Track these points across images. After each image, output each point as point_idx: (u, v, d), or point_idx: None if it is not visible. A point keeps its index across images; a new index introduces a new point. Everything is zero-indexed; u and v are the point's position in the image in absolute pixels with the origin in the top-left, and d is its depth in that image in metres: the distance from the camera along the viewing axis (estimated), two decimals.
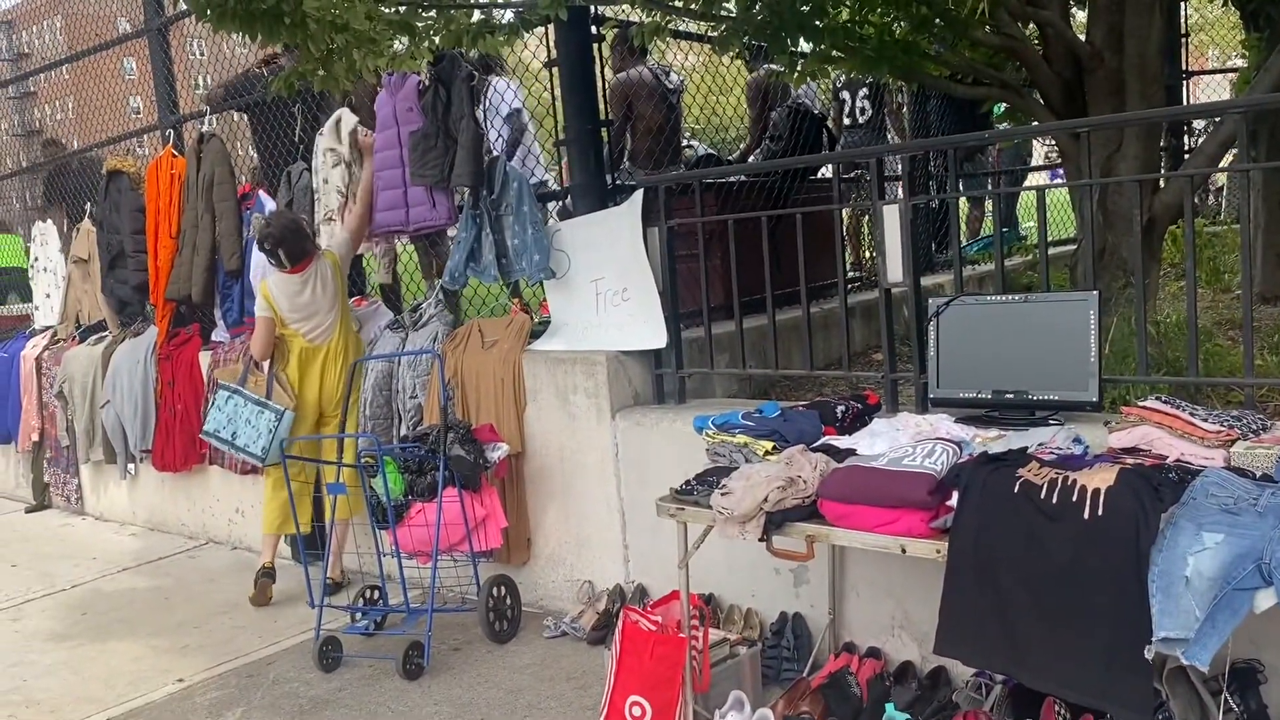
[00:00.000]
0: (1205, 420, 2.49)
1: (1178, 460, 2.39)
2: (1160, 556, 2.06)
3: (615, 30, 4.98)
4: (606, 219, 4.15)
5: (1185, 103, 7.29)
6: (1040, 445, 2.62)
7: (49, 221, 7.20)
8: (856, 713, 2.97)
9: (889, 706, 2.77)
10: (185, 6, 4.13)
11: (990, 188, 7.56)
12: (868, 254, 6.34)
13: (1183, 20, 7.41)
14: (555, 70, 4.32)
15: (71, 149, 7.79)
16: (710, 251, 4.09)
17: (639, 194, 4.01)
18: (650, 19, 4.17)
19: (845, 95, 7.16)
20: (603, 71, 4.34)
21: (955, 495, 2.39)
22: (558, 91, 4.35)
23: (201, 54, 7.03)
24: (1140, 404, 2.64)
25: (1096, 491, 2.17)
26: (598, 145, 4.30)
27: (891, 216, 3.34)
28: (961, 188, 7.25)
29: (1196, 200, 5.06)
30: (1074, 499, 2.19)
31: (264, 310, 4.56)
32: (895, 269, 3.36)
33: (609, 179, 4.37)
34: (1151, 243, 4.10)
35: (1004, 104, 5.90)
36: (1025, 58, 4.38)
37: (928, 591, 3.09)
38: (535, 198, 4.34)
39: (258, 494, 5.44)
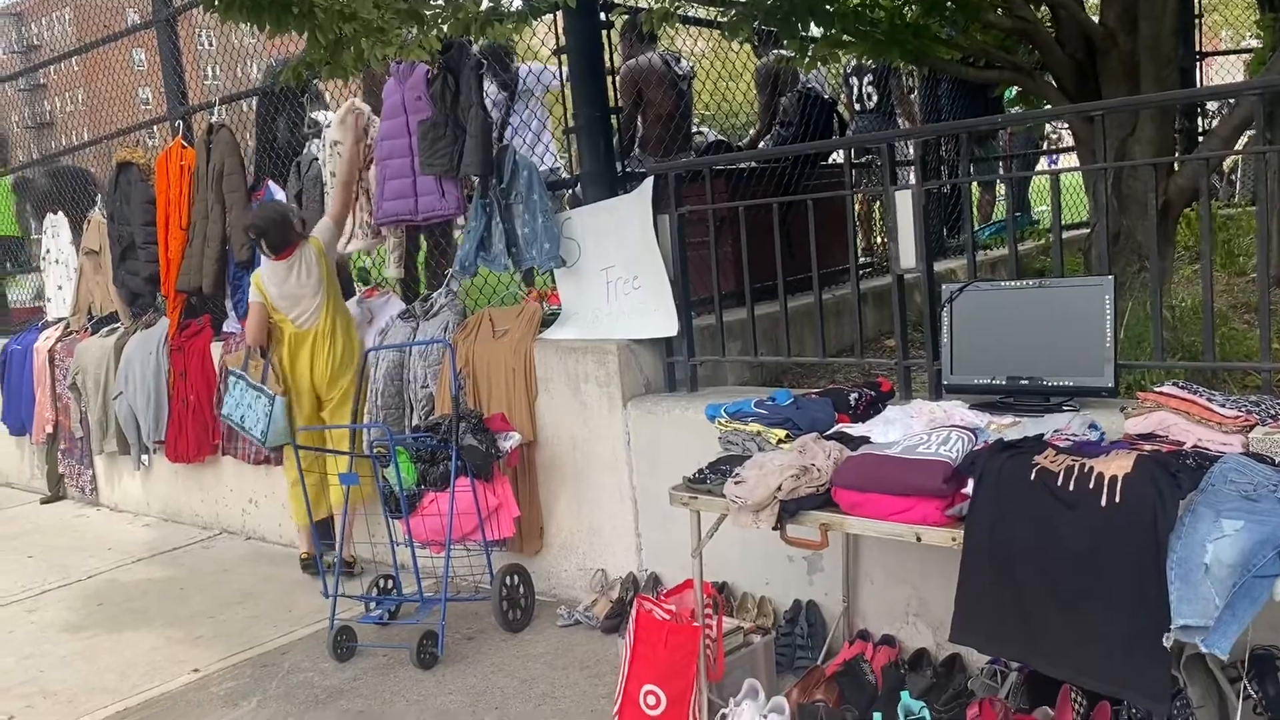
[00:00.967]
0: (1223, 405, 2.46)
1: (1195, 446, 2.36)
2: (1179, 544, 2.04)
3: (624, 17, 4.95)
4: (617, 207, 4.13)
5: (1199, 84, 7.22)
6: (1056, 432, 2.60)
7: (60, 213, 7.22)
8: (871, 700, 2.96)
9: (904, 694, 2.75)
10: None
11: (1002, 172, 7.50)
12: (879, 240, 6.31)
13: (1196, 1, 7.32)
14: (564, 57, 4.30)
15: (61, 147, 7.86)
16: (721, 238, 4.07)
17: (649, 181, 3.99)
18: (659, 4, 4.14)
19: (853, 81, 7.11)
20: (612, 58, 4.32)
21: (970, 483, 2.37)
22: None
23: (210, 44, 7.03)
24: (1157, 389, 2.62)
25: (1114, 479, 2.15)
26: (607, 132, 4.29)
27: (904, 202, 3.31)
28: (973, 172, 7.20)
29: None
30: (1091, 486, 2.17)
31: (256, 297, 4.67)
32: (909, 255, 3.33)
33: (619, 166, 4.35)
34: (1166, 226, 4.06)
35: (1016, 88, 5.85)
36: (1038, 40, 4.33)
37: (942, 578, 3.08)
38: (545, 186, 4.33)
39: (271, 484, 5.48)
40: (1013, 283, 3.15)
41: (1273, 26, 5.63)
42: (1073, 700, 2.58)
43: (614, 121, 4.36)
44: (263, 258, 4.60)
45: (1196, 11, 7.36)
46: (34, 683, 4.03)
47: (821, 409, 3.01)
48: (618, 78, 4.47)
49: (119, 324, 6.45)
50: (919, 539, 2.41)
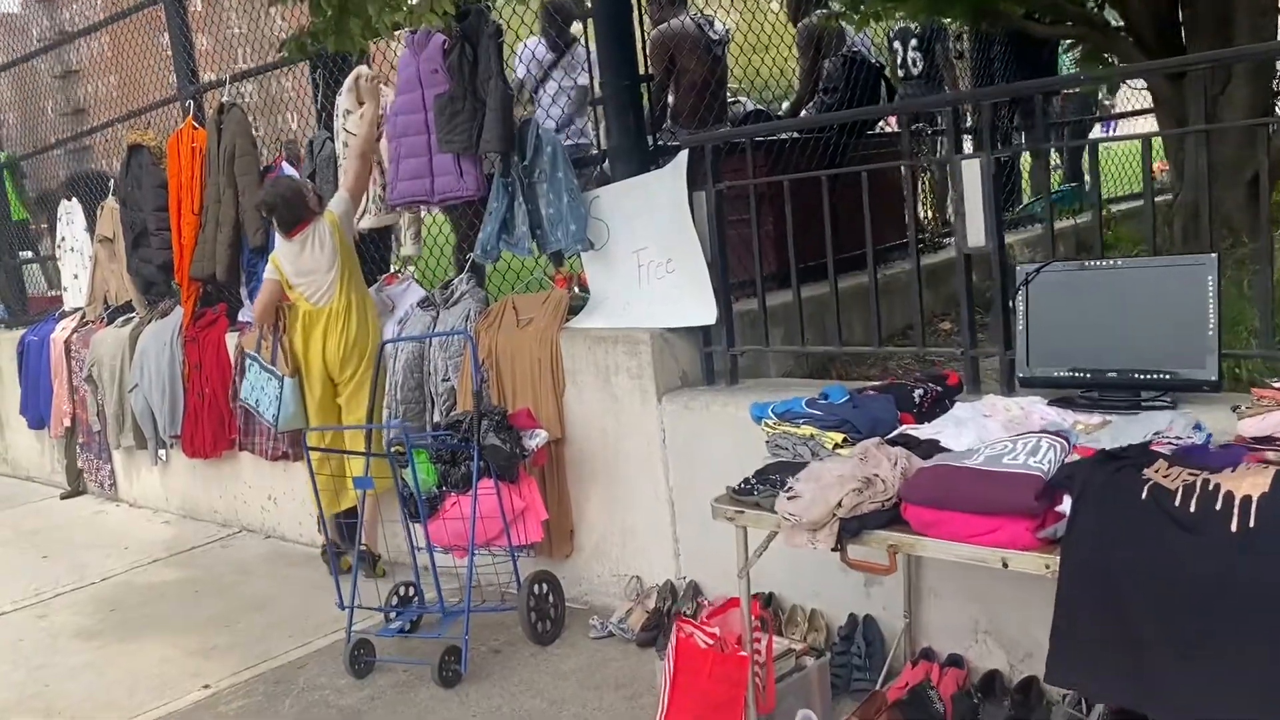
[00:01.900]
0: None
1: None
2: None
3: None
4: (648, 183, 3.80)
5: None
6: (1157, 435, 2.26)
7: (74, 200, 7.00)
8: None
9: None
10: None
11: (1059, 138, 7.06)
12: (931, 213, 5.92)
13: None
14: (590, 22, 3.96)
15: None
16: (761, 216, 3.73)
17: (683, 155, 3.65)
18: None
19: (896, 46, 6.69)
20: (642, 22, 3.98)
21: (1066, 500, 2.03)
22: (593, 45, 4.00)
23: (241, 29, 6.75)
24: (1276, 384, 2.26)
25: (1247, 499, 1.81)
26: (637, 103, 3.96)
27: (972, 172, 2.96)
28: (1024, 141, 6.78)
29: None
30: (1218, 507, 1.83)
31: (271, 273, 4.47)
32: (977, 231, 2.98)
33: (650, 140, 4.03)
34: (1262, 196, 3.66)
35: (1077, 50, 5.42)
36: None
37: (1017, 594, 2.76)
38: (570, 162, 4.01)
39: (290, 481, 5.24)
40: (1099, 262, 2.78)
41: None
42: None
43: (644, 91, 4.03)
44: (277, 235, 4.40)
45: None
46: (40, 697, 3.82)
47: (883, 408, 2.67)
48: (648, 43, 4.13)
49: (135, 313, 6.24)
50: (1005, 565, 2.08)
